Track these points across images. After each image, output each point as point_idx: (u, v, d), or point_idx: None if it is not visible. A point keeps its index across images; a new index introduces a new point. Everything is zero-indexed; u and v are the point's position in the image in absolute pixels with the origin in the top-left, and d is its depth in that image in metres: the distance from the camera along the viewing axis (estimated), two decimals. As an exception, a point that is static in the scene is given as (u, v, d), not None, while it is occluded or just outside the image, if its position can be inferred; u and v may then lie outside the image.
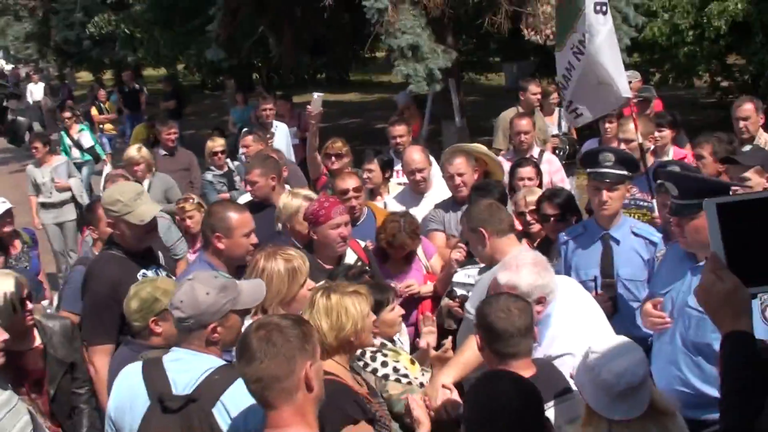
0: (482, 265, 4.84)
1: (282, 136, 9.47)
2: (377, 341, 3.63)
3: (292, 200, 5.15)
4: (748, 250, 1.81)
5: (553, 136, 8.87)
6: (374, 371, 3.53)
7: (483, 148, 6.45)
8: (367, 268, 4.68)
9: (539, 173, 6.16)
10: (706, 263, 1.90)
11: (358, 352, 3.50)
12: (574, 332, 3.58)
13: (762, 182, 4.81)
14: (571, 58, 6.04)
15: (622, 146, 6.27)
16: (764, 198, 1.87)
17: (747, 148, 5.30)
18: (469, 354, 3.62)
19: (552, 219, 5.03)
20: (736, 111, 6.78)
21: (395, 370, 3.55)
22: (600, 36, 5.76)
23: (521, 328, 3.07)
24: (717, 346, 3.48)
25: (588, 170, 4.64)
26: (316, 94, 6.82)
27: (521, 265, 3.59)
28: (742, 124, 6.64)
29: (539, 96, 8.77)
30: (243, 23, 12.37)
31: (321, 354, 3.03)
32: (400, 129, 7.64)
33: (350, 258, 4.88)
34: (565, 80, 6.21)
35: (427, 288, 5.25)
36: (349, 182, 5.76)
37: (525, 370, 3.08)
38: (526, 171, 6.03)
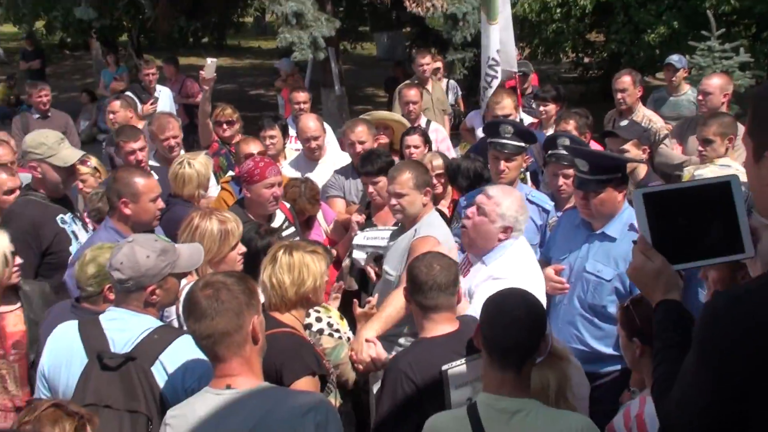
0: (383, 227, 5.05)
1: (166, 101, 9.25)
2: None
3: (180, 169, 5.27)
4: (671, 233, 2.06)
5: None
6: (308, 326, 3.67)
7: (388, 114, 6.61)
8: (293, 228, 4.80)
9: (427, 141, 6.38)
10: (635, 246, 2.12)
11: None
12: (517, 266, 3.91)
13: (639, 153, 5.24)
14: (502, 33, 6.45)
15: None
16: (683, 188, 2.15)
17: (624, 122, 5.73)
18: (390, 309, 3.85)
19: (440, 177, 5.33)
20: (615, 83, 7.23)
21: (329, 325, 3.70)
22: (507, 10, 6.16)
23: (441, 284, 3.24)
24: (611, 308, 3.93)
25: (489, 140, 4.90)
26: (209, 60, 6.71)
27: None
28: (620, 95, 7.11)
29: (431, 67, 8.87)
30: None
31: (280, 307, 3.14)
32: (302, 96, 7.69)
33: (279, 218, 4.99)
34: (498, 53, 6.55)
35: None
36: (253, 147, 5.84)
37: (446, 323, 3.28)
38: (413, 139, 6.25)
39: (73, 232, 4.82)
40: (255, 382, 2.53)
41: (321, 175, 6.19)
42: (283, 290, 3.23)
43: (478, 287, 3.83)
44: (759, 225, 2.04)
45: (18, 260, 3.98)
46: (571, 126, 5.92)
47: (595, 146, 6.15)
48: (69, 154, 4.83)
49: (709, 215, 2.04)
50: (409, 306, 3.45)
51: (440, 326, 3.27)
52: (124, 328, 3.01)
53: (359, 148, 5.89)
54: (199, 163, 5.34)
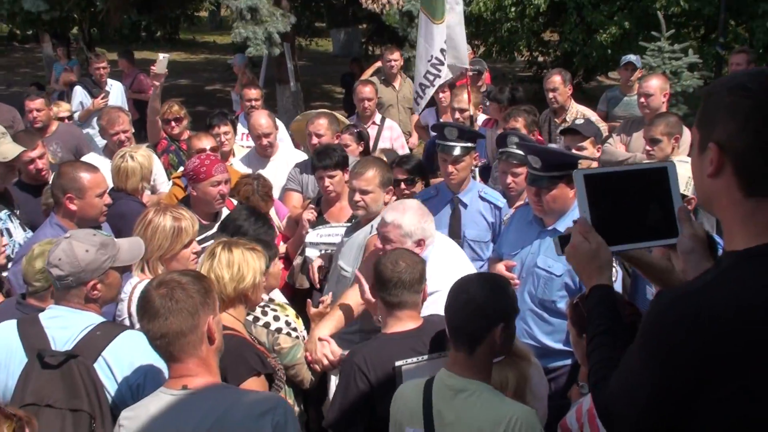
0: (336, 224, 5.04)
1: (117, 95, 9.10)
2: (265, 296, 3.72)
3: (122, 162, 5.24)
4: (610, 215, 2.10)
5: None
6: (266, 325, 3.62)
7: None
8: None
9: (362, 140, 6.39)
10: (574, 226, 2.14)
11: None
12: (445, 273, 3.78)
13: (594, 151, 5.33)
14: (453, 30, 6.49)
15: (456, 115, 6.62)
16: (622, 171, 2.19)
17: (580, 121, 5.79)
18: (345, 308, 3.85)
19: (401, 183, 5.27)
20: (546, 83, 7.37)
21: (287, 323, 3.66)
22: (459, 7, 6.20)
23: (405, 281, 3.24)
24: (561, 304, 3.95)
25: (437, 141, 4.93)
26: (161, 55, 6.61)
27: (407, 208, 3.90)
28: (551, 95, 7.24)
29: (399, 63, 8.85)
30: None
31: (219, 305, 3.10)
32: (254, 93, 7.63)
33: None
34: (442, 53, 6.55)
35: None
36: (205, 142, 5.78)
37: (409, 321, 3.28)
38: (345, 138, 6.26)
39: (7, 230, 4.70)
40: (212, 382, 2.50)
41: (273, 172, 6.13)
42: (222, 286, 3.17)
43: None
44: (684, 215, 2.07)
45: (5, 240, 3.94)
46: (519, 123, 5.95)
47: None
48: (9, 148, 4.72)
49: (646, 199, 2.10)
50: (366, 303, 3.44)
51: (403, 323, 3.28)
52: (65, 325, 2.96)
53: (315, 140, 5.85)
54: (142, 156, 5.30)
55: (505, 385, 3.00)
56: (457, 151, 4.80)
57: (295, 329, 3.69)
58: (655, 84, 6.54)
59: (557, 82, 7.20)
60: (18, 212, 4.94)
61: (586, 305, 2.11)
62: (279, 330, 3.62)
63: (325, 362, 3.63)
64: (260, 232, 4.12)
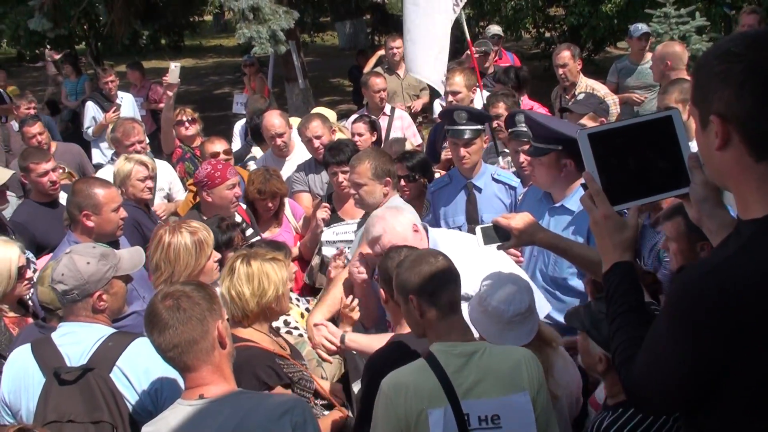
0: (350, 221, 5.03)
1: (129, 107, 9.11)
2: None
3: (125, 164, 5.27)
4: (618, 171, 2.05)
5: None
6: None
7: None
8: (251, 229, 4.76)
9: (375, 130, 6.40)
10: (584, 193, 2.09)
11: None
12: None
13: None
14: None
15: (449, 98, 6.51)
16: (626, 125, 2.11)
17: (581, 96, 5.72)
18: (335, 291, 3.89)
19: (401, 180, 5.13)
20: (555, 59, 7.27)
21: (285, 323, 3.66)
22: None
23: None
24: (572, 281, 3.91)
25: (446, 127, 4.89)
26: (173, 65, 6.62)
27: (384, 217, 3.77)
28: (561, 71, 7.15)
29: (402, 51, 8.76)
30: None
31: (243, 321, 3.09)
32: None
33: (237, 220, 4.91)
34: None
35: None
36: (218, 145, 5.83)
37: None
38: (358, 127, 6.31)
39: (28, 259, 4.71)
40: (228, 389, 2.50)
41: (290, 171, 6.14)
42: (244, 302, 3.11)
43: None
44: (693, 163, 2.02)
45: (29, 273, 4.01)
46: (501, 108, 5.82)
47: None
48: None
49: (654, 151, 2.05)
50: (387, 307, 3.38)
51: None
52: (78, 340, 3.00)
53: (317, 143, 5.85)
54: (122, 162, 5.36)
55: None
56: (467, 135, 4.76)
57: (296, 328, 3.68)
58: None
59: (566, 57, 7.12)
60: (14, 237, 4.91)
61: (605, 282, 2.06)
62: (277, 330, 3.60)
63: (328, 345, 3.62)
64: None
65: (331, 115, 7.18)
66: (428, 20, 5.76)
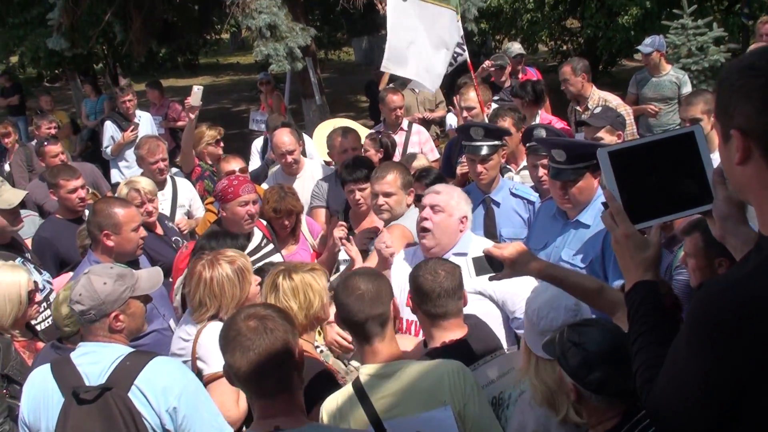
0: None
1: (146, 125, 9.17)
2: None
3: (123, 189, 5.42)
4: (639, 189, 2.02)
5: None
6: None
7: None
8: (271, 245, 4.76)
9: (382, 147, 6.44)
10: (605, 211, 2.06)
11: None
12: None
13: (613, 139, 5.16)
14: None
15: (465, 114, 6.50)
16: (647, 143, 2.07)
17: (598, 109, 5.68)
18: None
19: (420, 198, 5.13)
20: (560, 75, 7.29)
21: None
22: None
23: (448, 289, 3.14)
24: None
25: (463, 143, 4.89)
26: (196, 87, 6.70)
27: (454, 188, 4.16)
28: (563, 86, 7.20)
29: None
30: (86, 10, 11.79)
31: None
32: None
33: (257, 236, 4.93)
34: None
35: None
36: (234, 164, 5.85)
37: (456, 329, 3.19)
38: (366, 143, 6.36)
39: (35, 282, 4.74)
40: (303, 421, 2.38)
41: (300, 188, 6.12)
42: (293, 316, 3.03)
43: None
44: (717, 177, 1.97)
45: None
46: (507, 123, 5.77)
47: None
48: (11, 195, 4.77)
49: (676, 168, 2.01)
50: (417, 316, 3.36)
51: (449, 333, 3.17)
52: (96, 360, 3.00)
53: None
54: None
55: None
56: (484, 151, 4.76)
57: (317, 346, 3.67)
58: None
59: (567, 72, 7.16)
60: (29, 256, 5.00)
61: (627, 302, 2.02)
62: None
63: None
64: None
65: (361, 130, 7.18)
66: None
